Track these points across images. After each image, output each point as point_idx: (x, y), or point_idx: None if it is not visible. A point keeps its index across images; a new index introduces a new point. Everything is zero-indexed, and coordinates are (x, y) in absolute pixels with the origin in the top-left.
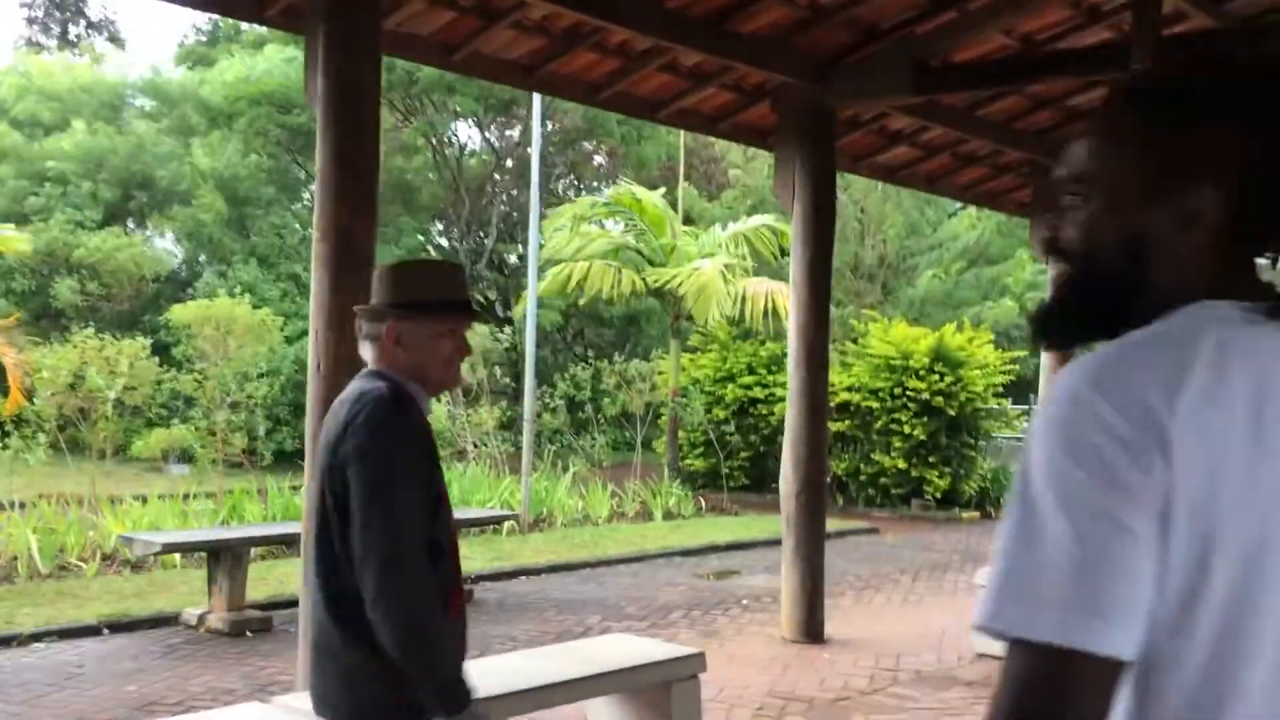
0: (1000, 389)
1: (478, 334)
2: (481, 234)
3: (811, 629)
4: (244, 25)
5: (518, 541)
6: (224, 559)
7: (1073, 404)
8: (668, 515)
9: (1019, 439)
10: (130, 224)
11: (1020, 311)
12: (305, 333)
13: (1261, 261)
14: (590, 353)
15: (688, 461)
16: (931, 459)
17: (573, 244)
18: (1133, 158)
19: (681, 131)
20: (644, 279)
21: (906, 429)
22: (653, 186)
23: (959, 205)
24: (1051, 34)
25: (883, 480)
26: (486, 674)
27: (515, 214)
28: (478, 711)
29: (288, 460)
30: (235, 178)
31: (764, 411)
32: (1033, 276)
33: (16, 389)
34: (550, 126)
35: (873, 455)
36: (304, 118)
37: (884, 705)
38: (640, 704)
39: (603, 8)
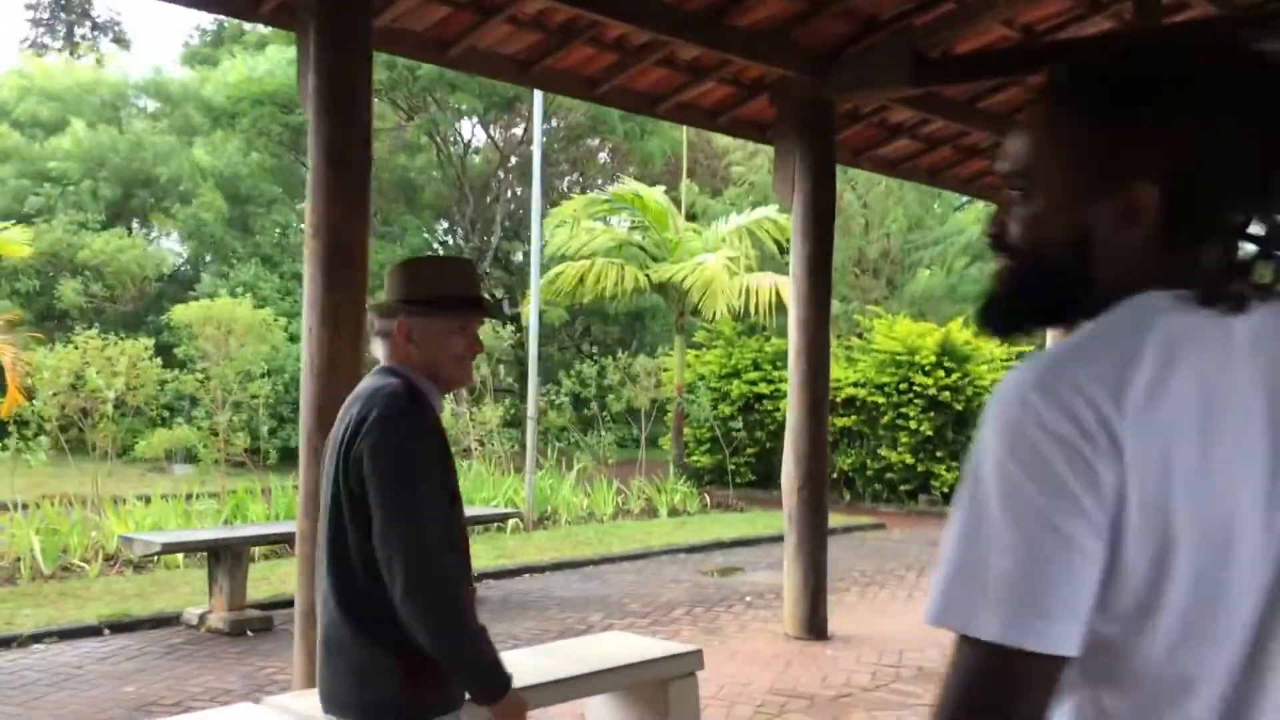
0: None
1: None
2: (486, 233)
3: (814, 625)
4: (247, 26)
5: (521, 539)
6: (224, 559)
7: (1020, 406)
8: (673, 512)
9: None
10: (133, 223)
11: None
12: None
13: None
14: (595, 349)
15: (693, 458)
16: (939, 454)
17: (576, 241)
18: (1071, 154)
19: (684, 127)
20: (648, 275)
21: (913, 424)
22: (657, 183)
23: (964, 199)
24: (1052, 24)
25: (889, 476)
26: None
27: (520, 211)
28: (517, 699)
29: (294, 459)
30: (237, 176)
31: (770, 407)
32: None
33: (15, 388)
34: (553, 124)
35: (879, 450)
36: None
37: (886, 701)
38: (638, 701)
39: (599, 2)
